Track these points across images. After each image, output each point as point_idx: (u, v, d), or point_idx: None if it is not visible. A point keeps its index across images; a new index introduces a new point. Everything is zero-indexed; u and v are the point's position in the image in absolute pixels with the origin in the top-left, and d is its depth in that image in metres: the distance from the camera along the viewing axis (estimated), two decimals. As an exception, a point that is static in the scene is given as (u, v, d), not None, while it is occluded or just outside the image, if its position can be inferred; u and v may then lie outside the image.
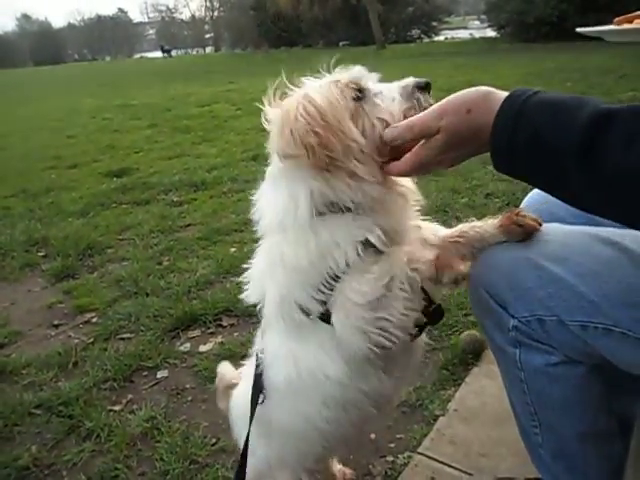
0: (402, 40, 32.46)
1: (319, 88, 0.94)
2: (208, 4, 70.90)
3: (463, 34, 39.08)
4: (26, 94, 17.36)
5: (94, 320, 2.60)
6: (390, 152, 0.93)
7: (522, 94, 0.74)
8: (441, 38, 35.77)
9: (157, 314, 2.51)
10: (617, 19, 1.15)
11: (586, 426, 1.01)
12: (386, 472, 1.58)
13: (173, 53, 57.01)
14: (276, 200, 0.97)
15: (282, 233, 0.97)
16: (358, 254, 0.93)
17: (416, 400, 1.83)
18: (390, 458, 1.63)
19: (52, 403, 1.95)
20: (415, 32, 35.49)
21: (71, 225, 3.92)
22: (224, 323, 2.43)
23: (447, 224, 3.54)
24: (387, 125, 0.92)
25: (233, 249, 3.21)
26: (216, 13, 68.94)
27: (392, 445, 1.67)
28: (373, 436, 1.71)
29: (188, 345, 2.29)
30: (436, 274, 0.95)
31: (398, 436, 1.71)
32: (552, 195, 0.79)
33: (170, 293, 2.71)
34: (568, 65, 11.19)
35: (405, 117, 0.92)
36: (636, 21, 1.13)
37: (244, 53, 40.23)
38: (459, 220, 3.79)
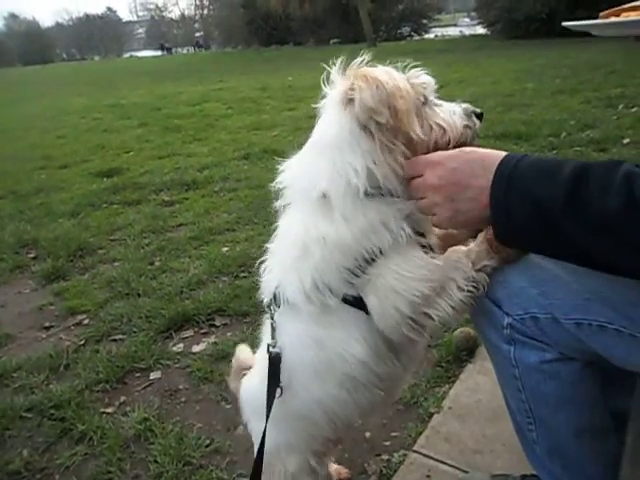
0: (393, 38, 32.53)
1: (398, 75, 0.94)
2: (198, 2, 70.75)
3: (453, 31, 39.22)
4: (14, 94, 17.19)
5: (85, 322, 2.58)
6: None
7: (512, 158, 0.84)
8: (431, 36, 35.89)
9: (149, 315, 2.49)
10: (603, 13, 1.15)
11: (581, 422, 1.01)
12: (381, 470, 1.57)
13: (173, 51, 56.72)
14: (323, 169, 0.94)
15: (323, 206, 0.93)
16: (405, 237, 0.94)
17: (411, 398, 1.83)
18: (385, 456, 1.62)
19: (43, 406, 1.93)
20: (405, 30, 35.57)
21: (61, 226, 3.88)
22: (217, 323, 2.42)
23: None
24: (444, 133, 0.95)
25: (225, 248, 3.20)
26: (206, 11, 68.70)
27: (387, 443, 1.67)
28: (368, 434, 1.70)
29: (181, 346, 2.28)
30: (500, 260, 0.95)
31: (393, 434, 1.70)
32: (547, 250, 0.84)
33: (162, 294, 2.69)
34: (558, 61, 11.25)
35: (462, 132, 0.97)
36: (623, 14, 1.13)
37: (234, 51, 40.10)
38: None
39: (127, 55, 72.36)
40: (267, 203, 4.12)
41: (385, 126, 0.89)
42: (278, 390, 1.06)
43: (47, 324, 2.61)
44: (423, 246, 0.98)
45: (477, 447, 1.61)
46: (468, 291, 0.94)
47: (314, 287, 0.96)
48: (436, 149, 0.95)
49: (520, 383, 1.00)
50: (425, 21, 36.63)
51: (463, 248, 0.98)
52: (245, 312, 2.45)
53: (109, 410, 1.92)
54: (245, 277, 2.80)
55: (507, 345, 0.98)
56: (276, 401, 1.06)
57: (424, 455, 1.59)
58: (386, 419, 1.77)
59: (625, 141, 4.55)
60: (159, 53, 59.75)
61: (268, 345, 1.06)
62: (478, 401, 1.79)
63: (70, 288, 2.92)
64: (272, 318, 1.06)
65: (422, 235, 0.99)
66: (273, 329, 1.06)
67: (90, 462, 1.69)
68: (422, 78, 0.98)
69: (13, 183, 5.31)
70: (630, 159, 3.77)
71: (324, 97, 0.99)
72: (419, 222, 0.97)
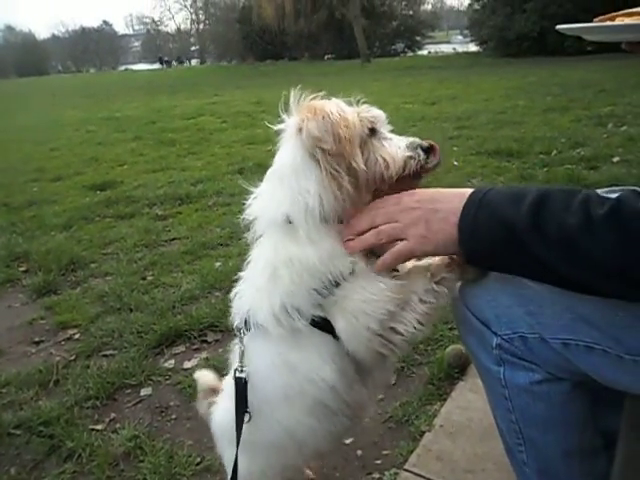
0: (386, 54, 32.91)
1: (346, 107, 1.00)
2: (194, 17, 71.22)
3: (446, 48, 39.69)
4: (8, 106, 17.19)
5: (76, 337, 2.56)
6: (374, 192, 1.01)
7: (483, 189, 0.89)
8: (424, 52, 36.30)
9: (141, 330, 2.48)
10: (598, 18, 1.16)
11: (571, 444, 1.01)
12: (373, 489, 1.57)
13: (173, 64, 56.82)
14: (283, 196, 0.98)
15: (289, 230, 0.97)
16: (365, 261, 0.98)
17: (402, 416, 1.83)
18: (377, 475, 1.62)
19: (32, 423, 1.91)
20: (399, 46, 36.04)
21: (53, 239, 3.87)
22: (209, 339, 2.41)
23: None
24: (387, 166, 0.98)
25: (218, 263, 3.19)
26: (202, 26, 69.21)
27: (378, 462, 1.67)
28: (360, 452, 1.70)
29: (172, 362, 2.26)
30: (460, 273, 0.99)
31: (384, 452, 1.70)
32: (513, 268, 0.88)
33: (154, 309, 2.68)
34: (549, 80, 11.40)
35: (405, 165, 0.99)
36: (617, 19, 1.14)
37: (230, 66, 40.37)
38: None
39: (122, 68, 72.58)
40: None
41: (329, 152, 0.94)
42: (247, 416, 1.06)
43: (37, 339, 2.58)
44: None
45: (469, 466, 1.60)
46: (430, 302, 0.98)
47: (283, 310, 0.99)
48: (381, 180, 0.99)
49: (510, 404, 1.00)
50: (419, 38, 37.16)
51: (422, 263, 1.02)
52: (237, 328, 2.45)
53: (99, 427, 1.90)
54: (238, 292, 2.79)
55: (497, 366, 0.98)
56: (247, 427, 1.06)
57: (416, 474, 1.59)
58: (377, 437, 1.77)
59: (615, 159, 4.61)
60: (155, 66, 60.00)
61: (235, 370, 1.06)
62: (470, 419, 1.79)
63: (61, 302, 2.90)
64: (241, 342, 1.07)
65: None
66: (242, 353, 1.07)
67: (79, 480, 1.67)
68: (372, 112, 1.02)
69: (5, 195, 5.29)
70: (620, 177, 3.82)
71: (282, 129, 1.04)
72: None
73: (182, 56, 62.84)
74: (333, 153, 0.93)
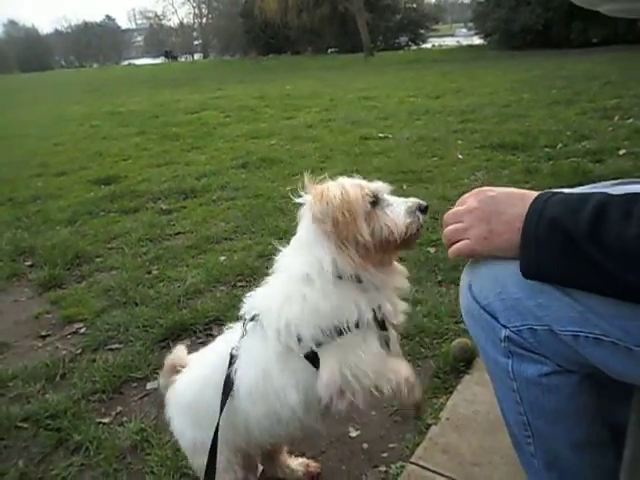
0: (390, 47, 32.72)
1: (351, 186, 1.16)
2: (197, 11, 70.89)
3: (450, 41, 39.44)
4: (12, 101, 17.21)
5: (82, 330, 2.57)
6: (385, 249, 1.17)
7: (545, 195, 0.89)
8: (428, 45, 36.09)
9: (146, 324, 2.49)
10: None
11: (579, 436, 1.01)
12: (380, 482, 1.57)
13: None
14: (303, 259, 1.16)
15: (307, 284, 1.14)
16: (371, 323, 1.15)
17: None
18: (383, 468, 1.62)
19: (39, 416, 1.92)
20: (403, 39, 35.80)
21: (58, 234, 3.88)
22: (214, 332, 2.41)
23: (437, 232, 3.54)
24: (391, 232, 1.14)
25: (223, 257, 3.20)
26: (204, 20, 68.94)
27: (385, 455, 1.67)
28: (366, 446, 1.70)
29: (178, 355, 2.27)
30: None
31: (391, 445, 1.70)
32: (574, 279, 0.85)
33: (160, 302, 2.68)
34: (554, 72, 11.33)
35: (407, 230, 1.15)
36: None
37: (233, 60, 40.27)
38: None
39: (125, 63, 72.47)
40: (265, 212, 4.14)
41: (333, 232, 1.12)
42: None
43: (43, 333, 2.60)
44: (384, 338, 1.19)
45: (475, 459, 1.60)
46: (388, 394, 1.18)
47: (287, 328, 1.13)
48: (387, 244, 1.15)
49: (518, 396, 1.00)
50: (422, 31, 36.88)
51: (405, 372, 1.21)
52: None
53: (105, 420, 1.91)
54: (243, 286, 2.80)
55: (505, 358, 0.98)
56: (207, 404, 1.24)
57: (422, 467, 1.59)
58: (383, 430, 1.77)
59: (621, 152, 4.58)
60: (158, 61, 59.82)
61: (232, 348, 1.22)
62: (476, 412, 1.79)
63: (67, 296, 2.91)
64: (244, 328, 1.22)
65: (384, 328, 1.19)
66: (242, 336, 1.22)
67: (86, 473, 1.68)
68: (373, 186, 1.19)
69: (10, 190, 5.31)
70: (626, 170, 3.79)
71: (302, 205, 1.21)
72: (387, 315, 1.18)
73: (174, 51, 62.46)
74: (337, 231, 1.11)
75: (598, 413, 1.01)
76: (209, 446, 1.22)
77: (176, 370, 1.40)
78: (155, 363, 2.20)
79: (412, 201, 1.19)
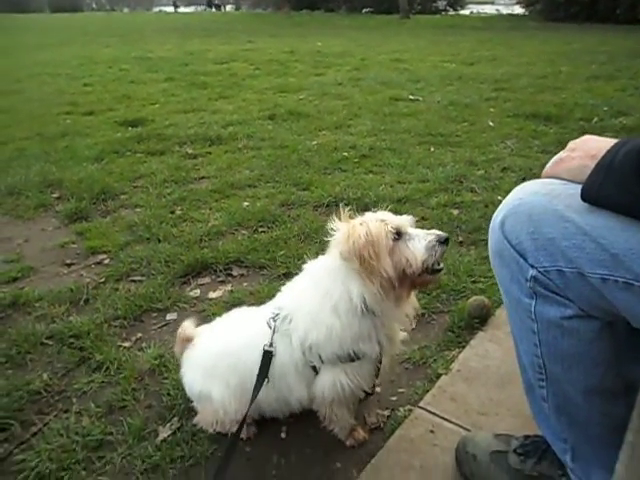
0: (427, 11, 31.61)
1: (375, 222, 1.28)
2: (231, -39, 69.04)
3: (490, 9, 37.99)
4: (43, 40, 17.12)
5: (106, 262, 2.63)
6: (408, 283, 1.31)
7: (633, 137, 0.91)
8: (467, 12, 34.83)
9: (168, 260, 2.53)
10: None
11: (593, 381, 1.02)
12: (385, 423, 1.61)
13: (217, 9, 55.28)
14: (335, 285, 1.31)
15: (335, 315, 1.31)
16: (377, 350, 1.36)
17: (420, 358, 1.86)
18: (388, 411, 1.65)
19: (63, 335, 2.00)
20: (441, 3, 34.52)
21: (85, 169, 3.92)
22: (234, 273, 2.45)
23: (461, 195, 3.52)
24: (410, 265, 1.26)
25: (246, 203, 3.22)
26: (238, -29, 67.17)
27: (394, 398, 1.71)
28: (379, 389, 1.73)
29: (198, 291, 2.32)
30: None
31: (400, 390, 1.74)
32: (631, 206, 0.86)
33: (182, 240, 2.73)
34: (595, 47, 10.92)
35: (423, 264, 1.26)
36: None
37: (264, 13, 39.41)
38: (473, 192, 3.73)
39: (156, 9, 71.35)
40: (289, 163, 4.12)
41: (359, 269, 1.25)
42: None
43: (68, 261, 2.66)
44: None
45: (482, 409, 1.64)
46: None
47: (310, 349, 1.35)
48: (405, 277, 1.27)
49: (537, 338, 1.01)
50: (462, -4, 35.56)
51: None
52: (262, 265, 2.49)
53: (126, 344, 1.98)
54: (264, 232, 2.82)
55: (528, 299, 0.99)
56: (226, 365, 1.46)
57: (429, 412, 1.63)
58: (394, 376, 1.80)
59: (659, 130, 4.45)
60: (189, 10, 58.67)
61: (264, 345, 1.38)
62: (487, 367, 1.81)
63: (92, 229, 2.97)
64: (275, 322, 1.39)
65: (380, 359, 1.41)
66: (273, 332, 1.38)
67: (106, 389, 1.75)
68: (397, 221, 1.30)
69: (39, 125, 5.35)
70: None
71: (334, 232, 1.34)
72: (390, 339, 1.38)
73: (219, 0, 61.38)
74: (363, 268, 1.24)
75: (614, 362, 1.02)
76: (209, 396, 1.47)
77: (187, 341, 1.59)
78: (175, 296, 2.26)
79: (433, 233, 1.30)
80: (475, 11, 35.41)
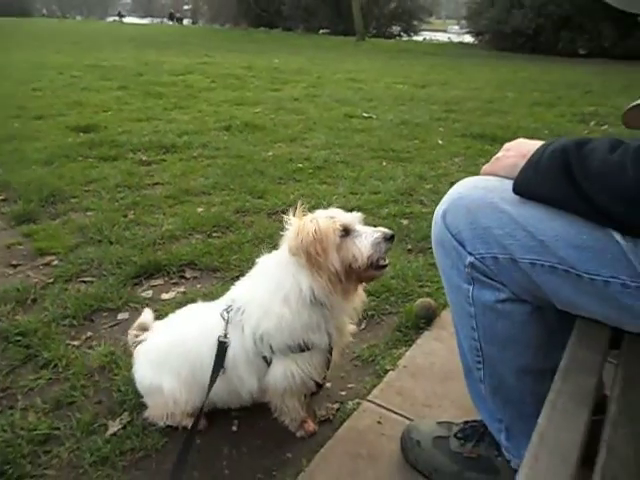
0: (382, 35, 32.60)
1: (324, 219, 1.34)
2: (189, -25, 69.01)
3: (442, 37, 39.51)
4: (-11, 43, 16.54)
5: (55, 263, 2.58)
6: (355, 277, 1.38)
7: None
8: (420, 38, 36.08)
9: (120, 261, 2.51)
10: None
11: (525, 362, 1.11)
12: (335, 415, 1.66)
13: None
14: (286, 277, 1.37)
15: (286, 304, 1.36)
16: (326, 342, 1.42)
17: (369, 356, 1.93)
18: (338, 405, 1.71)
19: (8, 333, 1.96)
20: (395, 29, 35.70)
21: (34, 172, 3.83)
22: (187, 275, 2.46)
23: (411, 206, 3.65)
24: (356, 260, 1.33)
25: (200, 209, 3.23)
26: (196, -15, 67.17)
27: (343, 393, 1.76)
28: (329, 385, 1.78)
29: (150, 292, 2.31)
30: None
31: (349, 386, 1.80)
32: (558, 195, 0.95)
33: (134, 243, 2.71)
34: (539, 77, 11.55)
35: (368, 259, 1.34)
36: None
37: (222, 29, 39.48)
38: (422, 204, 3.86)
39: (110, 19, 70.18)
40: (244, 172, 4.15)
41: (307, 264, 1.32)
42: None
43: (15, 262, 2.59)
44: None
45: (427, 402, 1.72)
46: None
47: (262, 339, 1.39)
48: (351, 270, 1.34)
49: (474, 321, 1.10)
50: (416, 22, 36.83)
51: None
52: (215, 268, 2.51)
53: (75, 343, 1.95)
54: (218, 237, 2.84)
55: (467, 284, 1.07)
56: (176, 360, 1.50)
57: (377, 404, 1.69)
58: (344, 373, 1.86)
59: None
60: (144, 21, 58.12)
61: (219, 336, 1.42)
62: (432, 363, 1.90)
63: (40, 231, 2.90)
64: (227, 313, 1.43)
65: (330, 351, 1.46)
66: (226, 324, 1.43)
67: (54, 386, 1.72)
68: (348, 217, 1.38)
69: (-15, 128, 5.17)
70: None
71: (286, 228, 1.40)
72: (339, 330, 1.45)
73: (172, 13, 61.18)
74: (310, 263, 1.31)
75: (544, 344, 1.11)
76: (159, 388, 1.50)
77: (143, 329, 1.65)
78: (127, 297, 2.24)
79: (380, 231, 1.38)
80: (428, 38, 36.70)
